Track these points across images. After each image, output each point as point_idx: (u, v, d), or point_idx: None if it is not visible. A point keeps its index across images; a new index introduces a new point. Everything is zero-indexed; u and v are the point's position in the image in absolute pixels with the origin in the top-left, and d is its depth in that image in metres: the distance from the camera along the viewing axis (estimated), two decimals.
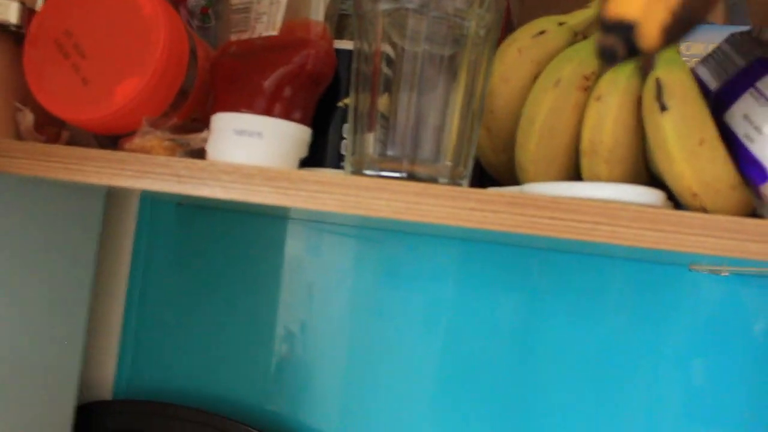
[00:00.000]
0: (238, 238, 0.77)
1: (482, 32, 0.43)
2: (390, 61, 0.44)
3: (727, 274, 0.69)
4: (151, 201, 0.78)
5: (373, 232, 0.75)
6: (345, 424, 0.74)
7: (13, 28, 0.46)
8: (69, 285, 0.68)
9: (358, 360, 0.74)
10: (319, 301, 0.76)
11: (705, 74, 0.45)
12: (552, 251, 0.72)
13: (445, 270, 0.73)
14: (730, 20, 0.59)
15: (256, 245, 0.77)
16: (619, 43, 0.28)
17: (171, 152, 0.45)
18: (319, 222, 0.76)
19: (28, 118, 0.49)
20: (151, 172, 0.44)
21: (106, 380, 0.79)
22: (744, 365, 0.68)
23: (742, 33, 0.45)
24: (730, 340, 0.69)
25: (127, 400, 0.75)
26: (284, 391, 0.76)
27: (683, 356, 0.69)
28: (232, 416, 0.75)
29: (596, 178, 0.45)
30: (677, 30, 0.27)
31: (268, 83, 0.43)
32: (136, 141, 0.45)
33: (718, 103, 0.43)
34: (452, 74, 0.43)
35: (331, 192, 0.41)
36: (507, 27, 0.58)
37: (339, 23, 0.50)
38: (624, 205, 0.39)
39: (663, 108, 0.40)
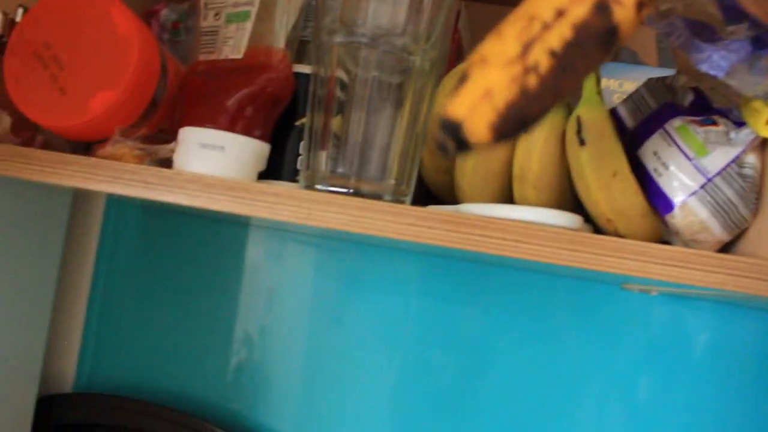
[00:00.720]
0: (201, 242, 0.81)
1: (427, 66, 0.48)
2: (343, 86, 0.48)
3: (656, 293, 0.75)
4: (117, 202, 0.82)
5: (334, 242, 0.79)
6: (301, 426, 0.78)
7: None
8: (34, 280, 0.71)
9: (315, 365, 0.79)
10: (279, 306, 0.80)
11: (624, 113, 0.50)
12: (504, 267, 0.77)
13: (403, 282, 0.78)
14: (660, 63, 0.65)
15: (218, 250, 0.81)
16: (449, 140, 0.33)
17: (140, 161, 0.49)
18: (280, 230, 0.81)
19: (5, 121, 0.52)
20: (121, 178, 0.48)
21: (67, 374, 0.82)
22: (676, 381, 0.74)
23: (657, 79, 0.51)
24: (661, 356, 0.74)
25: (86, 393, 0.78)
26: (242, 391, 0.80)
27: (619, 372, 0.75)
28: (190, 412, 0.79)
29: (526, 201, 0.50)
30: (508, 128, 0.31)
31: (231, 102, 0.48)
32: (108, 149, 0.49)
33: (634, 139, 0.49)
34: (399, 101, 0.49)
35: (285, 203, 0.46)
36: (459, 58, 0.64)
37: (299, 49, 0.55)
38: (543, 227, 0.44)
39: (582, 142, 0.46)
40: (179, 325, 0.80)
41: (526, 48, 0.32)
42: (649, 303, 0.75)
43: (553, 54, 0.31)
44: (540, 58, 0.31)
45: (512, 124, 0.31)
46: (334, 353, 0.79)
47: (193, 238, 0.81)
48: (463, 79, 0.33)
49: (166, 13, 0.68)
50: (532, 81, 0.31)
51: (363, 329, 0.78)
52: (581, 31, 0.31)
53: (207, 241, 0.81)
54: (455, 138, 0.32)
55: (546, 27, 0.32)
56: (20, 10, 0.53)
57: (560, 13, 0.32)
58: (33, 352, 0.73)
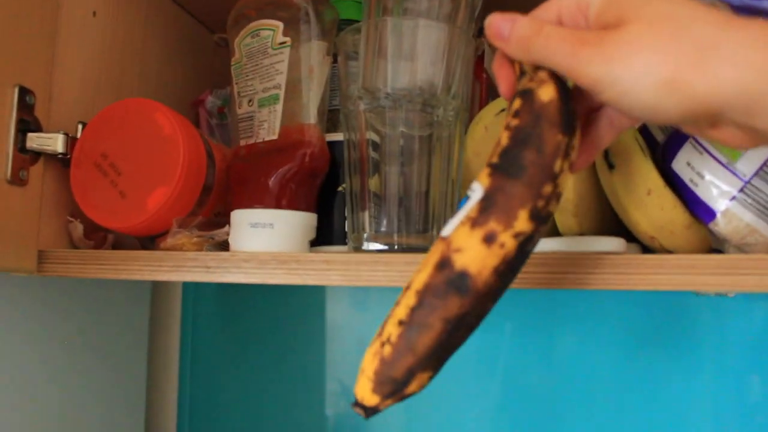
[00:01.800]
0: (280, 306, 0.85)
1: (451, 115, 0.51)
2: (375, 146, 0.52)
3: (733, 295, 0.74)
4: (194, 283, 0.87)
5: None
6: None
7: (60, 156, 0.56)
8: (126, 368, 0.77)
9: (410, 409, 0.81)
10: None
11: (653, 128, 0.51)
12: (579, 291, 0.78)
13: (490, 318, 0.79)
14: None
15: (296, 311, 0.85)
16: (358, 409, 0.38)
17: (199, 247, 0.54)
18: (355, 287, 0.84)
19: (78, 228, 0.58)
20: (184, 266, 0.52)
21: None
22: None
23: None
24: (746, 358, 0.73)
25: None
26: None
27: (706, 379, 0.74)
28: None
29: (569, 230, 0.51)
30: (384, 389, 0.36)
31: (273, 181, 0.52)
32: (169, 240, 0.53)
33: (665, 152, 0.49)
34: (430, 152, 0.51)
35: (335, 269, 0.49)
36: (489, 95, 0.66)
37: (330, 118, 0.58)
38: (587, 254, 0.45)
39: (611, 166, 0.47)
40: (271, 391, 0.84)
41: (383, 325, 0.36)
42: (727, 305, 0.74)
43: (400, 323, 0.35)
44: (390, 330, 0.35)
45: (387, 386, 0.36)
46: (427, 393, 0.80)
47: (269, 304, 0.85)
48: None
49: (211, 100, 0.73)
50: (387, 350, 0.35)
51: (453, 367, 0.80)
52: (424, 292, 0.35)
53: (284, 302, 0.85)
54: (357, 406, 0.37)
55: (397, 304, 0.36)
56: (79, 127, 0.58)
57: (407, 287, 0.36)
58: None
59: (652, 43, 0.33)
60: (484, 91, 0.65)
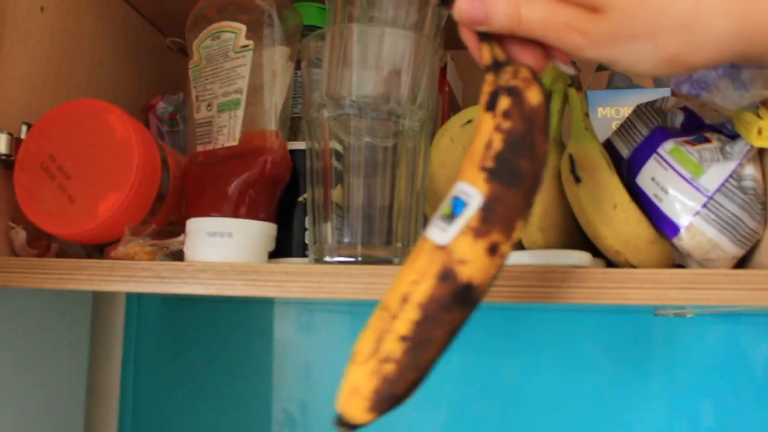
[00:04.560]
0: (225, 324, 0.84)
1: (417, 125, 0.52)
2: (339, 156, 0.52)
3: (691, 315, 0.77)
4: (137, 296, 0.86)
5: (362, 308, 0.82)
6: None
7: (3, 157, 0.55)
8: (64, 383, 0.75)
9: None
10: (316, 378, 0.83)
11: (618, 143, 0.53)
12: (535, 310, 0.80)
13: None
14: (655, 83, 0.68)
15: (244, 330, 0.84)
16: (339, 426, 0.37)
17: (152, 256, 0.53)
18: (307, 303, 0.84)
19: (21, 235, 0.57)
20: (136, 276, 0.52)
21: None
22: (724, 400, 0.75)
23: (646, 104, 0.53)
24: (704, 378, 0.76)
25: None
26: None
27: (663, 398, 0.76)
28: None
29: (534, 244, 0.53)
30: (383, 406, 0.36)
31: (232, 188, 0.52)
32: (120, 249, 0.53)
33: (630, 168, 0.51)
34: (394, 163, 0.52)
35: (296, 280, 0.49)
36: (452, 108, 0.67)
37: (292, 126, 0.59)
38: (553, 268, 0.47)
39: (577, 180, 0.49)
40: (213, 410, 0.83)
41: (379, 342, 0.36)
42: (685, 326, 0.77)
43: (403, 339, 0.35)
44: (392, 347, 0.35)
45: (386, 403, 0.36)
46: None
47: (215, 321, 0.84)
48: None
49: (162, 106, 0.73)
50: (390, 368, 0.35)
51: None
52: (429, 306, 0.35)
53: (230, 322, 0.84)
54: (341, 425, 0.37)
55: (394, 317, 0.36)
56: (24, 127, 0.57)
57: (405, 299, 0.36)
58: None
59: (637, 31, 0.36)
60: (446, 103, 0.66)
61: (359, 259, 0.50)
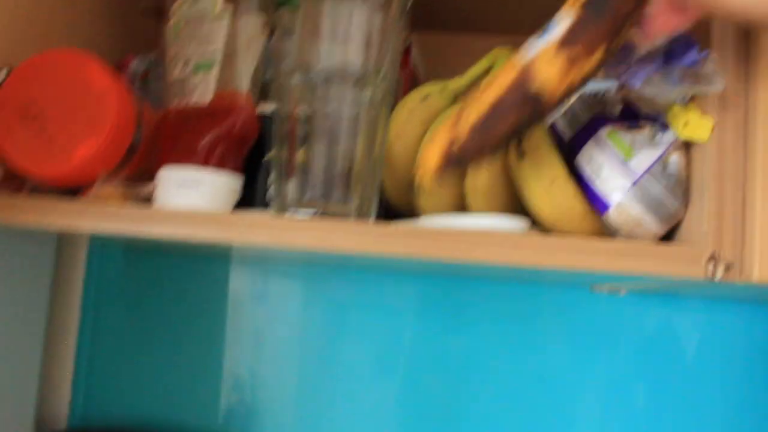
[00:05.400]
0: (183, 278, 0.88)
1: (379, 96, 0.57)
2: (304, 120, 0.57)
3: (625, 293, 0.83)
4: (100, 247, 0.89)
5: (317, 270, 0.87)
6: None
7: None
8: (23, 326, 0.78)
9: (306, 393, 0.86)
10: (268, 338, 0.87)
11: (562, 126, 0.59)
12: (480, 280, 0.85)
13: (387, 303, 0.85)
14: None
15: (201, 285, 0.88)
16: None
17: (124, 200, 0.57)
18: (263, 263, 0.88)
19: None
20: (107, 217, 0.55)
21: (61, 413, 0.89)
22: (652, 376, 0.81)
23: (589, 94, 0.59)
24: (633, 354, 0.82)
25: (81, 428, 0.85)
26: (234, 425, 0.86)
27: (596, 372, 0.82)
28: None
29: (479, 211, 0.58)
30: (450, 165, 0.48)
31: (203, 142, 0.56)
32: (94, 191, 0.57)
33: (571, 149, 0.57)
34: (355, 130, 0.57)
35: (260, 228, 0.54)
36: (414, 85, 0.72)
37: (262, 90, 0.63)
38: (493, 232, 0.52)
39: (521, 155, 0.54)
40: (167, 361, 0.87)
41: (457, 120, 0.47)
42: (618, 303, 0.83)
43: (471, 126, 0.46)
44: (461, 129, 0.46)
45: (452, 164, 0.48)
46: (326, 378, 0.86)
47: (174, 277, 0.88)
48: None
49: (135, 64, 0.76)
50: (458, 142, 0.46)
51: (352, 354, 0.85)
52: (497, 104, 0.45)
53: (190, 278, 0.88)
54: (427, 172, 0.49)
55: (467, 110, 0.47)
56: (4, 71, 0.60)
57: (479, 100, 0.47)
58: (26, 395, 0.80)
59: None
60: (408, 82, 0.71)
61: (319, 212, 0.55)
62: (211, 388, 0.87)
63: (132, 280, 0.89)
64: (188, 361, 0.87)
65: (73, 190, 0.61)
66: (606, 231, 0.57)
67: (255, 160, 0.61)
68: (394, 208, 0.66)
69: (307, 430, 0.85)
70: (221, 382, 0.87)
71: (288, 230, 0.53)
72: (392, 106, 0.59)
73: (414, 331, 0.85)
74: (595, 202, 0.55)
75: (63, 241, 0.89)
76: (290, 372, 0.86)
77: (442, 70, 0.69)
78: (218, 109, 0.57)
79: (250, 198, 0.60)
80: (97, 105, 0.56)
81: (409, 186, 0.61)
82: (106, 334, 0.89)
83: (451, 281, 0.85)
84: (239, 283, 0.88)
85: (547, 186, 0.54)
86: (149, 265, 0.88)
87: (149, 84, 0.76)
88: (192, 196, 0.56)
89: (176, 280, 0.88)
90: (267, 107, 0.60)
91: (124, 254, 0.89)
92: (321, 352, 0.86)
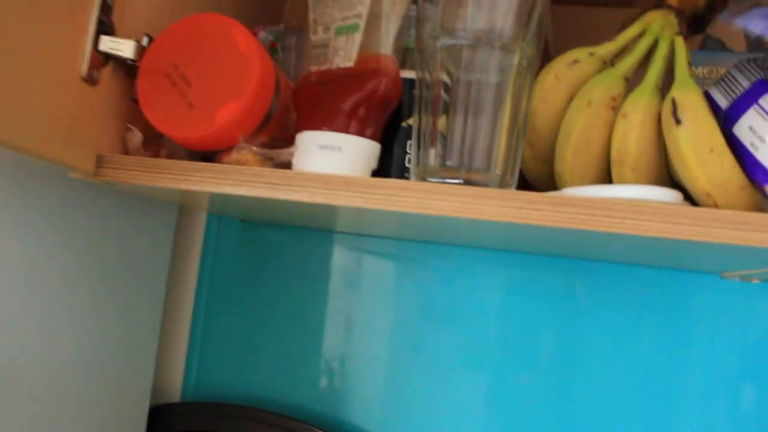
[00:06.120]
0: (296, 252, 0.89)
1: (525, 63, 0.55)
2: (447, 88, 0.56)
3: (757, 281, 0.79)
4: (218, 218, 0.91)
5: (422, 246, 0.86)
6: (394, 426, 0.85)
7: (129, 62, 0.59)
8: (144, 295, 0.80)
9: (407, 365, 0.85)
10: (373, 310, 0.87)
11: (717, 95, 0.56)
12: (599, 262, 0.83)
13: (494, 281, 0.84)
14: (748, 48, 0.70)
15: (313, 260, 0.89)
16: None
17: (263, 164, 0.58)
18: (370, 237, 0.88)
19: (136, 137, 0.61)
20: (248, 181, 0.56)
21: (175, 384, 0.91)
22: None
23: (748, 59, 0.56)
24: (763, 347, 0.79)
25: (193, 402, 0.87)
26: (336, 394, 0.87)
27: (721, 364, 0.79)
28: (288, 415, 0.86)
29: (625, 183, 0.56)
30: None
31: (346, 106, 0.56)
32: (234, 155, 0.57)
33: (728, 118, 0.54)
34: (500, 98, 0.55)
35: (401, 195, 0.53)
36: (545, 56, 0.71)
37: (403, 56, 0.62)
38: (646, 202, 0.50)
39: (678, 122, 0.52)
40: (277, 333, 0.88)
41: None
42: (750, 291, 0.79)
43: None
44: None
45: None
46: (427, 353, 0.85)
47: (288, 250, 0.89)
48: None
49: (263, 35, 0.77)
50: None
51: (454, 329, 0.85)
52: None
53: (302, 251, 0.89)
54: None
55: None
56: (145, 38, 0.62)
57: None
58: (146, 364, 0.82)
59: None
60: (544, 50, 0.69)
61: (461, 181, 0.54)
62: (316, 358, 0.87)
63: (247, 251, 0.90)
64: (294, 332, 0.88)
65: (207, 156, 0.61)
66: (765, 205, 0.54)
67: (393, 127, 0.60)
68: (530, 182, 0.65)
69: (404, 394, 0.85)
70: (325, 352, 0.88)
71: (430, 197, 0.52)
72: (537, 73, 0.58)
73: (520, 314, 0.84)
74: (755, 173, 0.52)
75: (183, 211, 0.91)
76: (393, 342, 0.86)
77: (572, 43, 0.67)
78: (362, 72, 0.56)
79: (386, 166, 0.60)
80: (241, 68, 0.57)
81: (551, 154, 0.60)
82: (219, 308, 0.90)
83: (563, 261, 0.83)
84: (347, 255, 0.88)
85: (704, 155, 0.52)
86: (264, 236, 0.90)
87: (276, 55, 0.77)
88: (332, 160, 0.56)
89: (288, 252, 0.89)
90: (406, 73, 0.60)
91: (240, 225, 0.91)
92: (418, 335, 0.85)
